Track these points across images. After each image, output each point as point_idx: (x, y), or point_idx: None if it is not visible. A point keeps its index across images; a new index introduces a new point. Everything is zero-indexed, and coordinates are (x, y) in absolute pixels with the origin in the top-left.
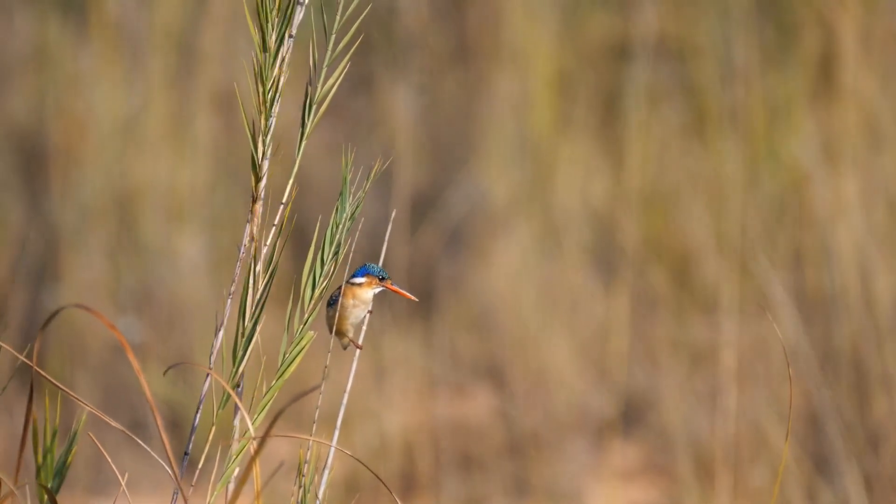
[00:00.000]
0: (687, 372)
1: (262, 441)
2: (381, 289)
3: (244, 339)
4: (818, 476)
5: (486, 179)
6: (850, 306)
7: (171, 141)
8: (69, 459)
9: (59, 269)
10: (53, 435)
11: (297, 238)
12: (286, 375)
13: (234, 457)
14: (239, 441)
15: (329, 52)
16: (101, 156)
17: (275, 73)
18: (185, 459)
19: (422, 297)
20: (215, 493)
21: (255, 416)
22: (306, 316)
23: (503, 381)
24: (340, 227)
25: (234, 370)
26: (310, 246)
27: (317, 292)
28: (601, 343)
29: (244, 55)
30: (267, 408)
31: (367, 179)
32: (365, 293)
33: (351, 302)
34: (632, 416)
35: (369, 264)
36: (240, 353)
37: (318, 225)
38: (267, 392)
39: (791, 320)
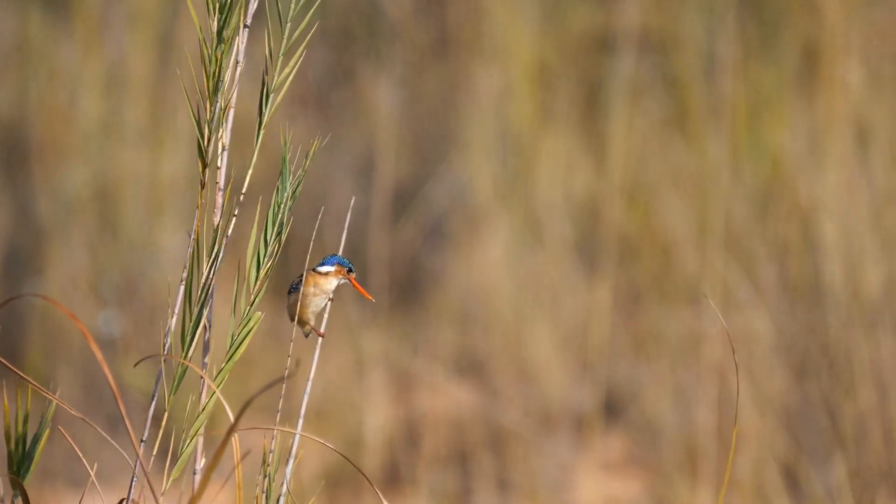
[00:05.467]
0: (669, 364)
1: (230, 432)
2: (344, 280)
3: (192, 324)
4: (804, 467)
5: (467, 172)
6: (835, 298)
7: (153, 134)
8: (39, 447)
9: (40, 263)
10: (25, 422)
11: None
12: (236, 357)
13: (189, 440)
14: (203, 431)
15: (284, 41)
16: (82, 150)
17: (219, 60)
18: (142, 443)
19: (403, 291)
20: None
21: (209, 399)
22: (252, 297)
23: (485, 374)
24: (282, 206)
25: (183, 354)
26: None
27: (262, 273)
28: (583, 336)
29: None
30: (220, 389)
31: (307, 158)
32: (329, 283)
33: (312, 290)
34: (614, 409)
35: (338, 255)
36: (188, 338)
37: (258, 205)
38: (217, 374)
39: (775, 312)
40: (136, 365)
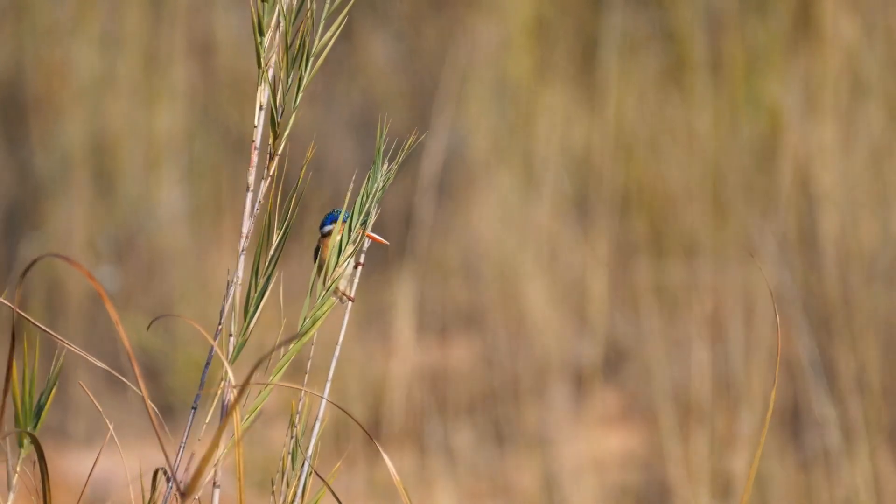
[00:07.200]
0: (667, 318)
1: (242, 388)
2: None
3: (256, 295)
4: (804, 420)
5: (465, 126)
6: (831, 251)
7: (149, 89)
8: (48, 401)
9: (38, 218)
10: (32, 378)
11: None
12: (307, 338)
13: (249, 415)
14: (228, 389)
15: (328, 5)
16: (79, 105)
17: (303, 32)
18: (193, 411)
19: (402, 245)
20: (227, 446)
21: (273, 375)
22: (329, 283)
23: (484, 327)
24: (371, 196)
25: (246, 325)
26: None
27: (342, 259)
28: (581, 289)
29: (220, 2)
30: (284, 368)
31: (401, 152)
32: (336, 240)
33: (329, 253)
34: (612, 363)
35: (335, 210)
36: (251, 309)
37: (348, 194)
38: (284, 355)
39: (772, 265)
40: (149, 327)
